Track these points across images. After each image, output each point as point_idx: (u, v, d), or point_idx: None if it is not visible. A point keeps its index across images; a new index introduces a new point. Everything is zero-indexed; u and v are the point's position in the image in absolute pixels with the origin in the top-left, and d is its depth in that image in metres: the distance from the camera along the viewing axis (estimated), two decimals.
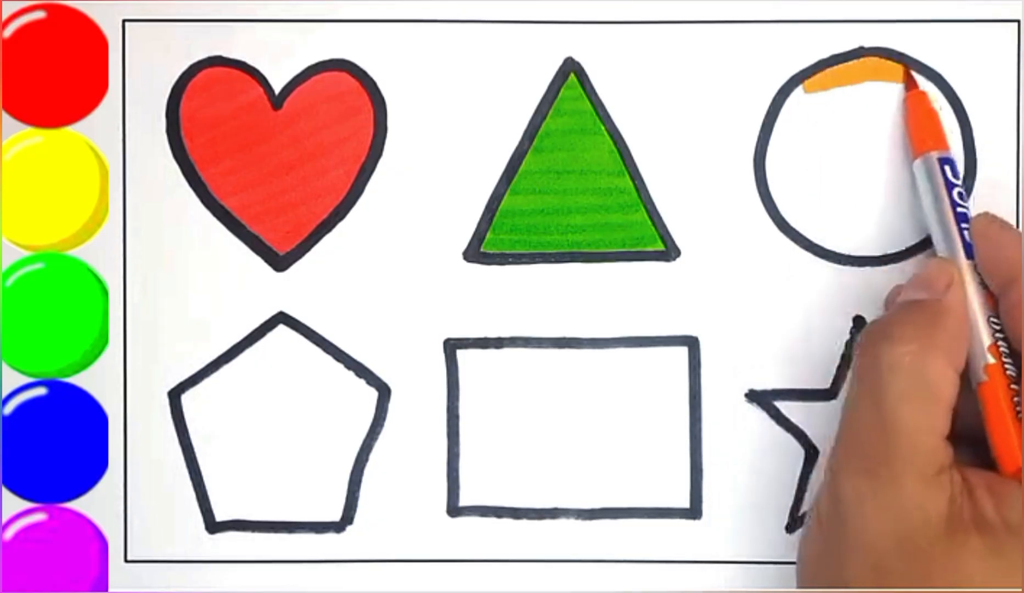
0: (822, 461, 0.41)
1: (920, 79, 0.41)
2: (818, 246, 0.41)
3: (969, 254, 0.37)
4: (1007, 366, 0.36)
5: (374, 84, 0.41)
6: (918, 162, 0.39)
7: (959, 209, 0.38)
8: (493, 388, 0.41)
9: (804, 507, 0.41)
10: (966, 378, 0.36)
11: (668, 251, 0.41)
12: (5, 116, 0.41)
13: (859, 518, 0.35)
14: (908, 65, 0.41)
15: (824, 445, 0.41)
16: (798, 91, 0.41)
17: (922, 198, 0.39)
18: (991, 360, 0.36)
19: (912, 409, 0.35)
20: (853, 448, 0.36)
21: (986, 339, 0.36)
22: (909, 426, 0.34)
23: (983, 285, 0.37)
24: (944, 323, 0.36)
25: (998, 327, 0.36)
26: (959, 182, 0.39)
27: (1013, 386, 0.36)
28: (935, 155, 0.39)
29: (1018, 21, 0.41)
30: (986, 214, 0.38)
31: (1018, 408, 0.36)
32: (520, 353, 0.41)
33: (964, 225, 0.38)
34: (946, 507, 0.34)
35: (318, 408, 0.41)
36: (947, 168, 0.39)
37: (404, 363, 0.41)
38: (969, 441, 0.36)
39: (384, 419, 0.41)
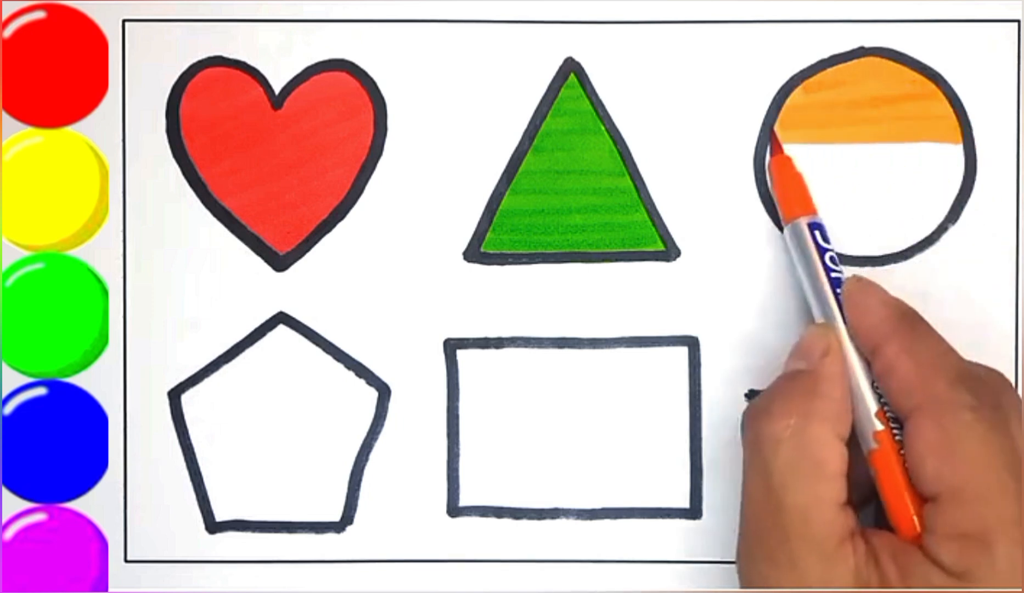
0: None
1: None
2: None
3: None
4: (895, 431, 0.36)
5: (374, 84, 0.41)
6: (788, 229, 0.39)
7: (833, 274, 0.38)
8: (493, 388, 0.41)
9: None
10: (854, 445, 0.36)
11: (668, 251, 0.41)
12: (5, 116, 0.41)
13: None
14: (774, 130, 0.41)
15: None
16: (798, 91, 0.41)
17: (796, 264, 0.39)
18: (879, 427, 0.36)
19: (799, 483, 0.34)
20: (751, 532, 0.35)
21: (872, 405, 0.36)
22: (799, 501, 0.34)
23: None
24: (822, 391, 0.35)
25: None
26: (831, 247, 0.38)
27: (903, 451, 0.35)
28: (804, 221, 0.39)
29: (1018, 21, 0.41)
30: (854, 278, 0.37)
31: (908, 472, 0.35)
32: (520, 353, 0.41)
33: (839, 290, 0.37)
34: (851, 581, 0.34)
35: (318, 408, 0.41)
36: (817, 233, 0.38)
37: (404, 363, 0.41)
38: (871, 503, 0.36)
39: (384, 419, 0.41)
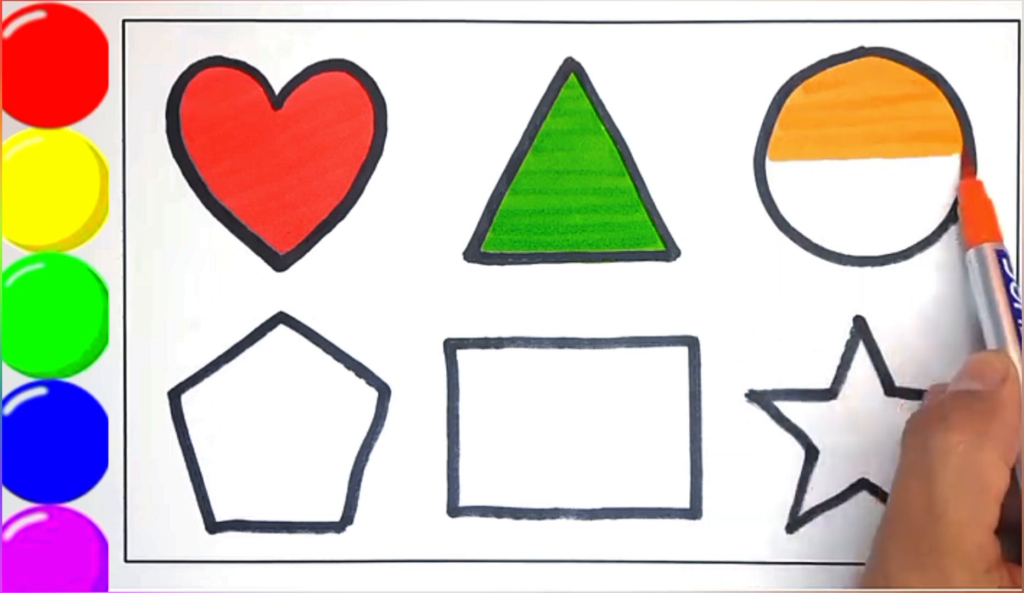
0: (822, 461, 0.41)
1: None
2: (818, 246, 0.41)
3: None
4: None
5: (374, 84, 0.41)
6: (972, 253, 0.39)
7: (1015, 305, 0.38)
8: (493, 388, 0.41)
9: (804, 507, 0.41)
10: (1014, 474, 0.36)
11: (668, 251, 0.41)
12: (5, 116, 0.41)
13: None
14: (967, 150, 0.40)
15: (824, 445, 0.41)
16: (798, 91, 0.41)
17: (974, 288, 0.39)
18: None
19: (963, 500, 0.34)
20: (902, 530, 0.35)
21: None
22: (959, 518, 0.34)
23: None
24: (999, 415, 0.35)
25: None
26: (1014, 277, 0.38)
27: None
28: (991, 247, 0.39)
29: (1018, 21, 0.41)
30: None
31: None
32: (520, 353, 0.41)
33: (1019, 321, 0.37)
34: None
35: (318, 408, 0.41)
36: (1004, 262, 0.38)
37: (404, 363, 0.41)
38: (1015, 534, 0.36)
39: (384, 419, 0.41)
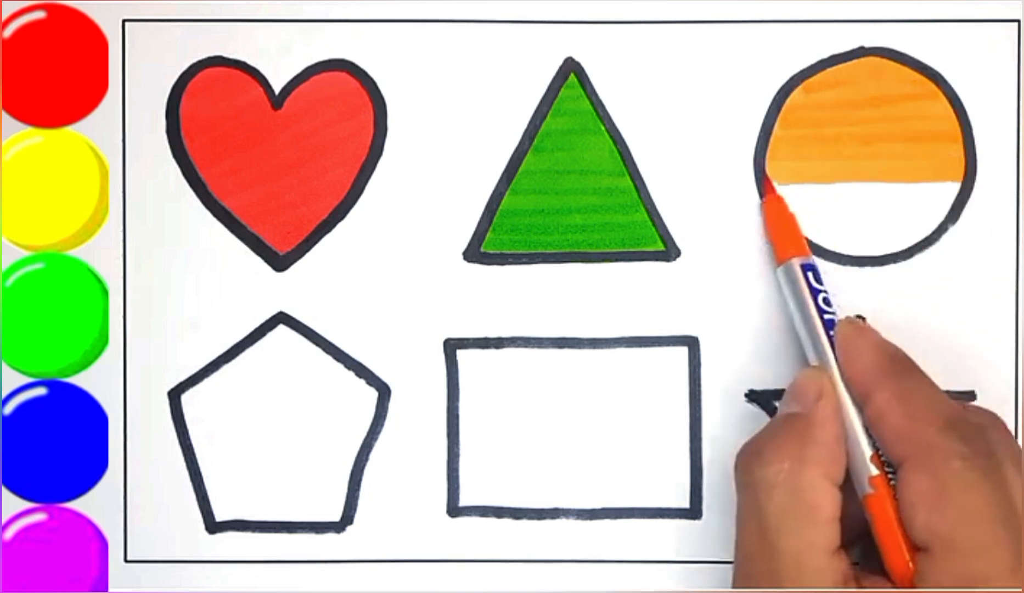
0: None
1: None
2: (818, 246, 0.41)
3: None
4: (890, 476, 0.35)
5: (374, 84, 0.41)
6: (781, 270, 0.39)
7: (826, 316, 0.38)
8: (493, 388, 0.41)
9: None
10: (849, 489, 0.35)
11: (668, 251, 0.41)
12: (5, 116, 0.41)
13: None
14: (767, 173, 0.40)
15: None
16: (798, 91, 0.41)
17: (789, 305, 0.39)
18: (874, 471, 0.35)
19: (792, 528, 0.34)
20: (744, 575, 0.35)
21: (867, 449, 0.36)
22: (791, 546, 0.34)
23: None
24: (815, 436, 0.35)
25: None
26: (823, 288, 0.38)
27: (898, 496, 0.35)
28: (797, 262, 0.39)
29: (1018, 21, 0.41)
30: (846, 321, 0.37)
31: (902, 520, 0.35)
32: (520, 353, 0.41)
33: (832, 332, 0.37)
34: None
35: (318, 408, 0.41)
36: (810, 274, 0.38)
37: (404, 363, 0.41)
38: (865, 544, 0.36)
39: (384, 419, 0.41)
